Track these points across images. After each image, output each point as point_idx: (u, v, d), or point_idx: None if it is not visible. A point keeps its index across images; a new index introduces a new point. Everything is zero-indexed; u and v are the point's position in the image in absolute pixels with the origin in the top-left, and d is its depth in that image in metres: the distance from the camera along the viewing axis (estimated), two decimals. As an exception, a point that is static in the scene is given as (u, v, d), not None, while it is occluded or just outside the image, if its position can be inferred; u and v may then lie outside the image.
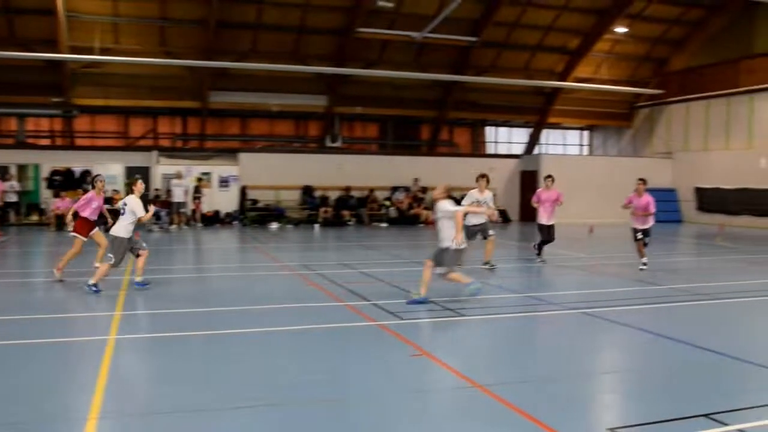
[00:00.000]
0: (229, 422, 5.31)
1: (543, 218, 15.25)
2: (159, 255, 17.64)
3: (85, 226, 12.31)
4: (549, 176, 15.57)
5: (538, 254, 15.49)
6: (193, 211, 26.36)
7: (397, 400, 5.93)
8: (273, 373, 6.63)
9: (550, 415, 5.42)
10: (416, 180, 29.68)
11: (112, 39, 26.33)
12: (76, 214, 12.24)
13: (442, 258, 9.97)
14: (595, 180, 29.25)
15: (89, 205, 12.30)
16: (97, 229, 12.60)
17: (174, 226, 24.63)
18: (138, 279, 11.23)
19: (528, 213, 31.38)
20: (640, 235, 14.23)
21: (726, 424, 5.21)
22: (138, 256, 11.36)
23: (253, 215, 27.38)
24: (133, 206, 10.98)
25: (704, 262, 16.86)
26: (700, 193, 31.21)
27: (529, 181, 31.73)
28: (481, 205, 13.92)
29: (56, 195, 24.73)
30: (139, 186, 11.35)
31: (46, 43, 24.77)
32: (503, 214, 31.09)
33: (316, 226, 26.28)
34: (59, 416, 5.42)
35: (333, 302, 10.29)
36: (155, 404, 5.66)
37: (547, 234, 15.20)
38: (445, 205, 10.06)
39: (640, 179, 14.49)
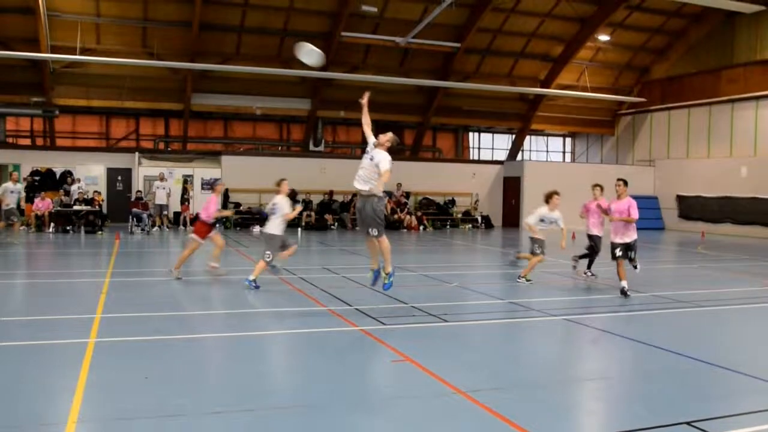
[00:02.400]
0: (208, 427, 5.24)
1: (593, 229, 14.00)
2: (141, 257, 17.51)
3: (203, 228, 12.84)
4: (597, 185, 14.18)
5: (583, 265, 14.27)
6: (180, 214, 26.27)
7: (377, 406, 5.88)
8: (253, 378, 6.56)
9: (533, 421, 5.40)
10: (399, 185, 29.66)
11: (94, 39, 26.16)
12: (196, 216, 12.73)
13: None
14: (578, 187, 29.24)
15: (209, 208, 12.83)
16: (215, 230, 13.21)
17: (155, 228, 24.46)
18: (277, 264, 12.05)
19: (511, 219, 31.60)
20: (619, 252, 11.85)
21: (708, 432, 5.22)
22: (284, 249, 12.10)
23: (236, 218, 27.24)
24: (282, 205, 11.85)
25: (686, 270, 16.95)
26: (682, 200, 31.48)
27: (512, 187, 31.89)
28: (546, 223, 13.31)
29: (33, 196, 24.48)
30: (284, 186, 12.18)
31: (27, 41, 24.56)
32: (486, 220, 31.22)
33: (299, 230, 26.18)
34: (38, 421, 5.31)
35: (315, 306, 10.23)
36: (134, 408, 5.57)
37: (596, 244, 14.02)
38: (384, 156, 9.15)
39: (620, 179, 12.35)
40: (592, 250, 14.00)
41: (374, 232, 9.34)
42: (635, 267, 12.61)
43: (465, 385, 6.26)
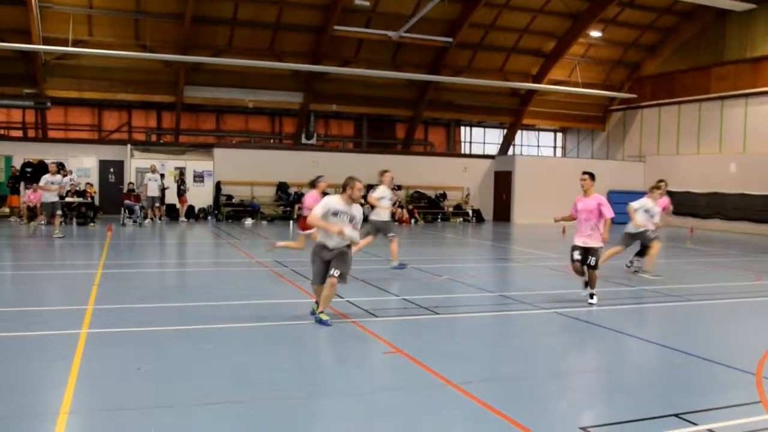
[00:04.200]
0: (199, 418, 5.27)
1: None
2: (133, 249, 17.50)
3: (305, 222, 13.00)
4: (661, 181, 14.18)
5: (640, 261, 14.33)
6: (174, 207, 26.37)
7: (368, 398, 5.93)
8: (244, 370, 6.59)
9: (524, 413, 5.46)
10: (391, 178, 29.67)
11: (86, 31, 26.04)
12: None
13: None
14: (569, 182, 29.30)
15: (309, 203, 13.04)
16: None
17: (147, 220, 24.42)
18: (394, 263, 13.08)
19: (502, 213, 31.69)
20: (577, 255, 10.27)
21: (695, 424, 5.28)
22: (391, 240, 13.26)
23: (228, 211, 27.26)
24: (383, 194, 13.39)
25: (675, 265, 17.06)
26: (672, 196, 31.51)
27: (503, 182, 31.96)
28: (649, 215, 13.41)
29: (23, 187, 24.41)
30: (387, 177, 14.23)
31: (18, 33, 24.42)
32: (477, 214, 31.31)
33: (291, 223, 26.20)
34: (30, 412, 5.34)
35: (307, 299, 10.26)
36: (126, 399, 5.60)
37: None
38: (359, 209, 8.65)
39: (586, 173, 10.44)
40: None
41: (344, 274, 8.51)
42: (592, 267, 10.32)
43: (455, 377, 6.31)
